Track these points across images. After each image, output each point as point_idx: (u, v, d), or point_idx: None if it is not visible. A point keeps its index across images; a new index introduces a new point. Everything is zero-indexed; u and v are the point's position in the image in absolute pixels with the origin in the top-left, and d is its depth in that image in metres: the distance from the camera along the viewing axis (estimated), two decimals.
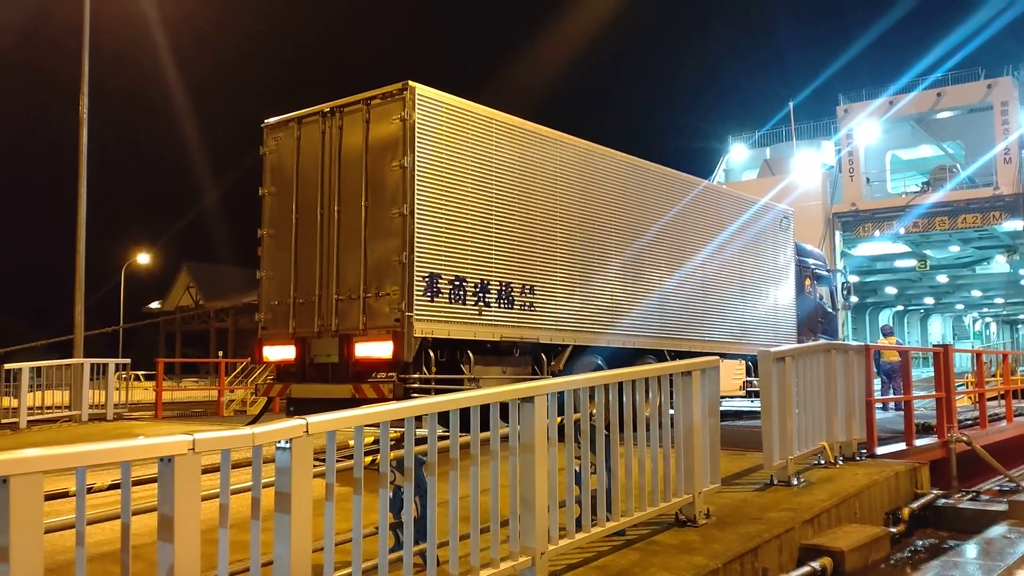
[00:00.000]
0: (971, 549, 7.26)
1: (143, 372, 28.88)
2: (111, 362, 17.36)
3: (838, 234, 38.01)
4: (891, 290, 50.74)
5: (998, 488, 11.52)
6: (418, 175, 10.26)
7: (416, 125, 10.26)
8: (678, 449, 6.19)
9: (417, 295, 10.14)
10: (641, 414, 5.74)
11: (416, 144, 10.25)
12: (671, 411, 6.24)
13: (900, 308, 59.35)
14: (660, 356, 13.58)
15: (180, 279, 63.91)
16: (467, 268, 10.82)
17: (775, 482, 7.78)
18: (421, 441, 4.22)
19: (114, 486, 4.92)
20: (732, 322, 15.89)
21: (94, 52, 19.19)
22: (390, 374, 10.28)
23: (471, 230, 10.93)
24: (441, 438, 4.27)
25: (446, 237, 10.57)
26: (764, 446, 7.77)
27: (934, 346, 13.36)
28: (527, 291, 11.66)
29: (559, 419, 5.01)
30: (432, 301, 10.34)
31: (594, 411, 5.36)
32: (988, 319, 73.82)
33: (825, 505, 7.03)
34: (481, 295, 10.99)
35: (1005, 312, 66.04)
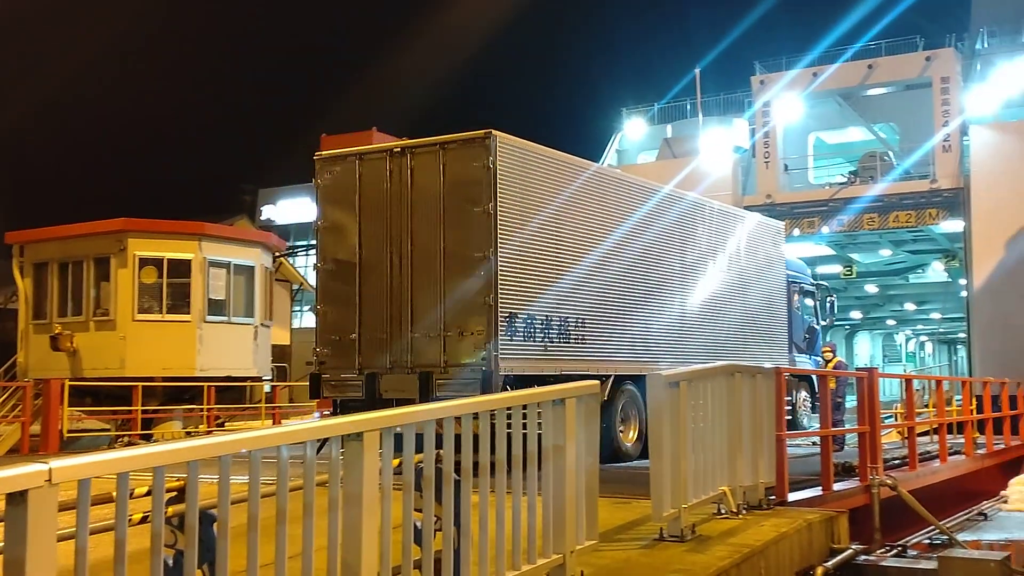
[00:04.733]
0: None
1: None
2: None
3: None
4: None
5: (928, 541, 12.18)
6: (500, 218, 12.90)
7: (499, 171, 12.90)
8: (546, 497, 6.21)
9: (500, 333, 12.69)
10: (501, 453, 5.77)
11: (499, 189, 12.90)
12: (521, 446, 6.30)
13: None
14: None
15: None
16: (536, 305, 13.52)
17: (665, 537, 7.96)
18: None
19: None
20: (738, 343, 18.83)
21: None
22: None
23: (538, 268, 13.74)
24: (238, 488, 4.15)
25: (522, 276, 13.31)
26: (652, 493, 7.93)
27: (858, 369, 13.96)
28: (580, 325, 14.43)
29: (396, 461, 4.97)
30: (512, 339, 12.96)
31: (442, 452, 5.34)
32: (923, 338, 77.34)
33: (724, 565, 7.23)
34: (546, 331, 13.72)
35: (942, 329, 69.01)
